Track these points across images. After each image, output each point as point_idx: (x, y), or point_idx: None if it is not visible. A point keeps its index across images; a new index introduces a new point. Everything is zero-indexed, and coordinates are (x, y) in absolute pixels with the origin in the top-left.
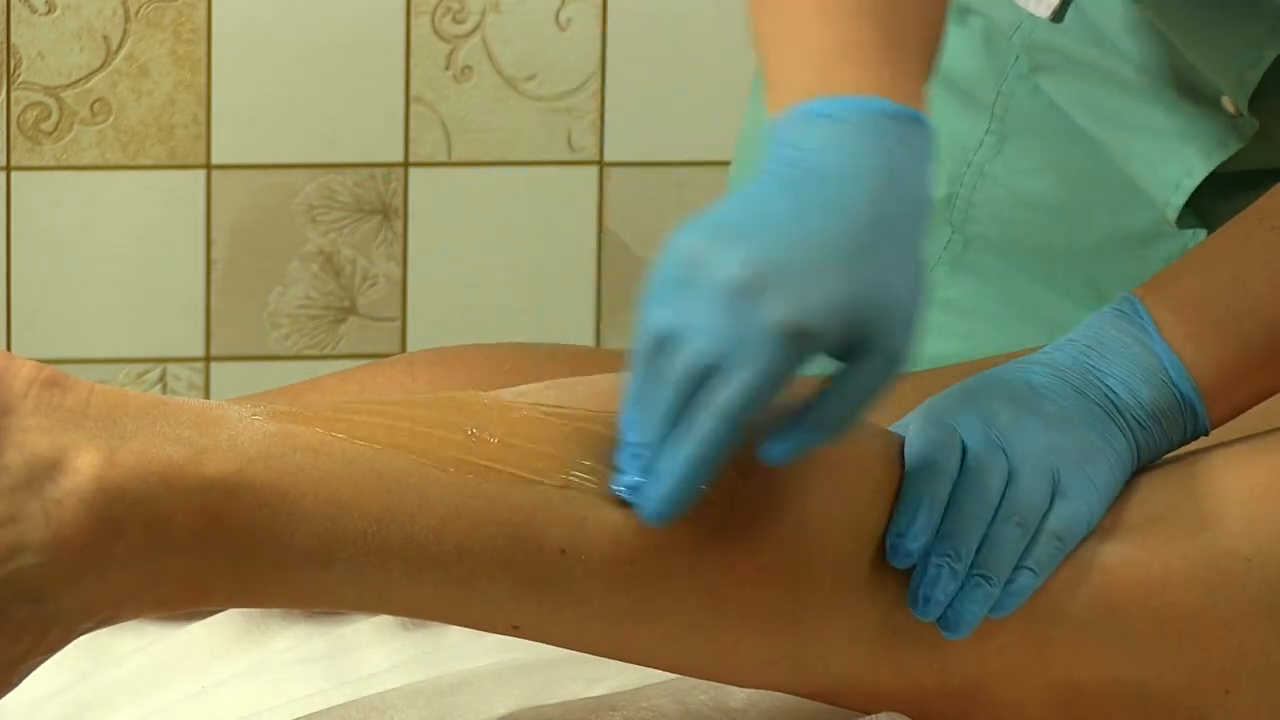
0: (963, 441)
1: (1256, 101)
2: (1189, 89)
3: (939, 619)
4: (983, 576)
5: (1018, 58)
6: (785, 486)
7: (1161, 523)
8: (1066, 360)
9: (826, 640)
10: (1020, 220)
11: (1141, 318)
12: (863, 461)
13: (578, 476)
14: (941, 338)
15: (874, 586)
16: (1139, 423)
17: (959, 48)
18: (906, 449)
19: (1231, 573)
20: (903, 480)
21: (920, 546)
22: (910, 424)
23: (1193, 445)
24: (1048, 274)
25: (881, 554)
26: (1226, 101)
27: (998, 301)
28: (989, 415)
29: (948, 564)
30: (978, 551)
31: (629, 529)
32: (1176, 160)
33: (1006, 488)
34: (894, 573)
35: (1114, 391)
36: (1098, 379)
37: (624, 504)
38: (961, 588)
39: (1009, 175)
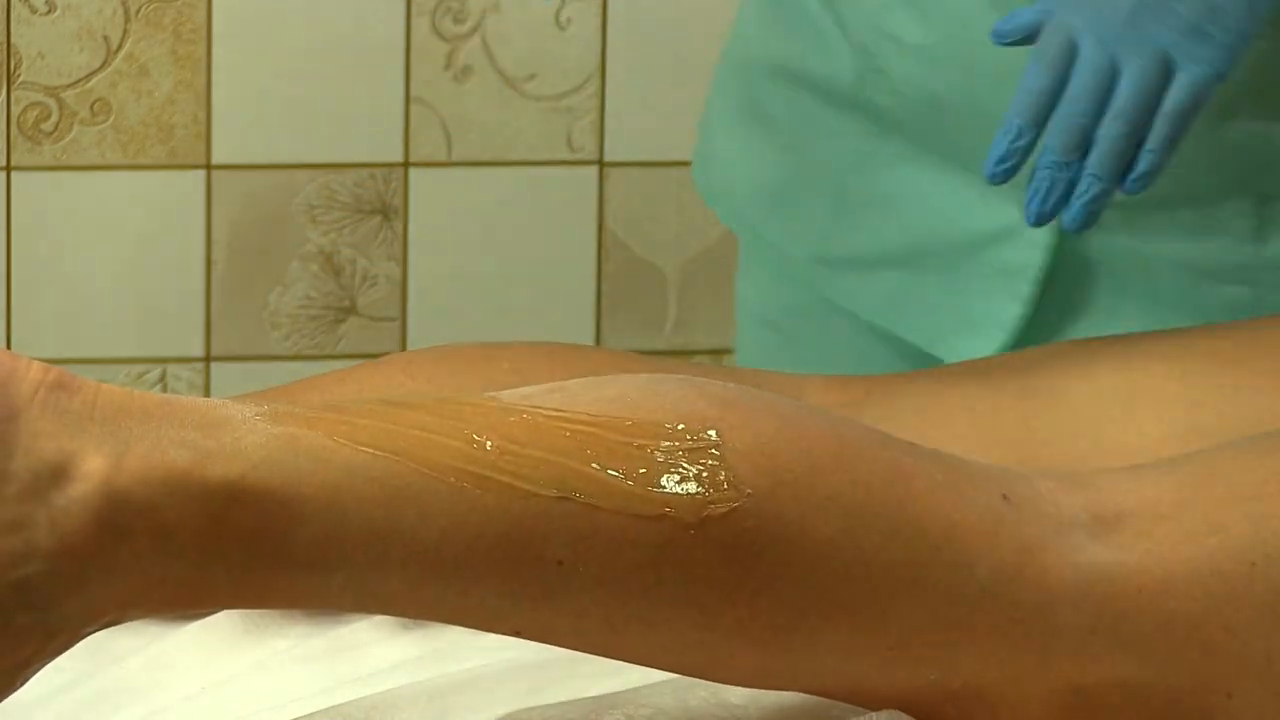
0: (1073, 39)
1: None
2: None
3: (1055, 215)
4: (1094, 176)
5: None
6: (785, 509)
7: (1167, 524)
8: None
9: (822, 656)
10: (919, 83)
11: None
12: (868, 484)
13: (577, 485)
14: (878, 229)
15: (872, 606)
16: None
17: None
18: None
19: (1236, 577)
20: None
21: (1016, 127)
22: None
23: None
24: (960, 148)
25: (881, 577)
26: None
27: (920, 189)
28: (1099, 5)
29: (1051, 173)
30: (1089, 154)
31: (626, 543)
32: None
33: (1115, 82)
34: (893, 593)
35: None
36: None
37: (621, 517)
38: (1074, 186)
39: (896, 25)
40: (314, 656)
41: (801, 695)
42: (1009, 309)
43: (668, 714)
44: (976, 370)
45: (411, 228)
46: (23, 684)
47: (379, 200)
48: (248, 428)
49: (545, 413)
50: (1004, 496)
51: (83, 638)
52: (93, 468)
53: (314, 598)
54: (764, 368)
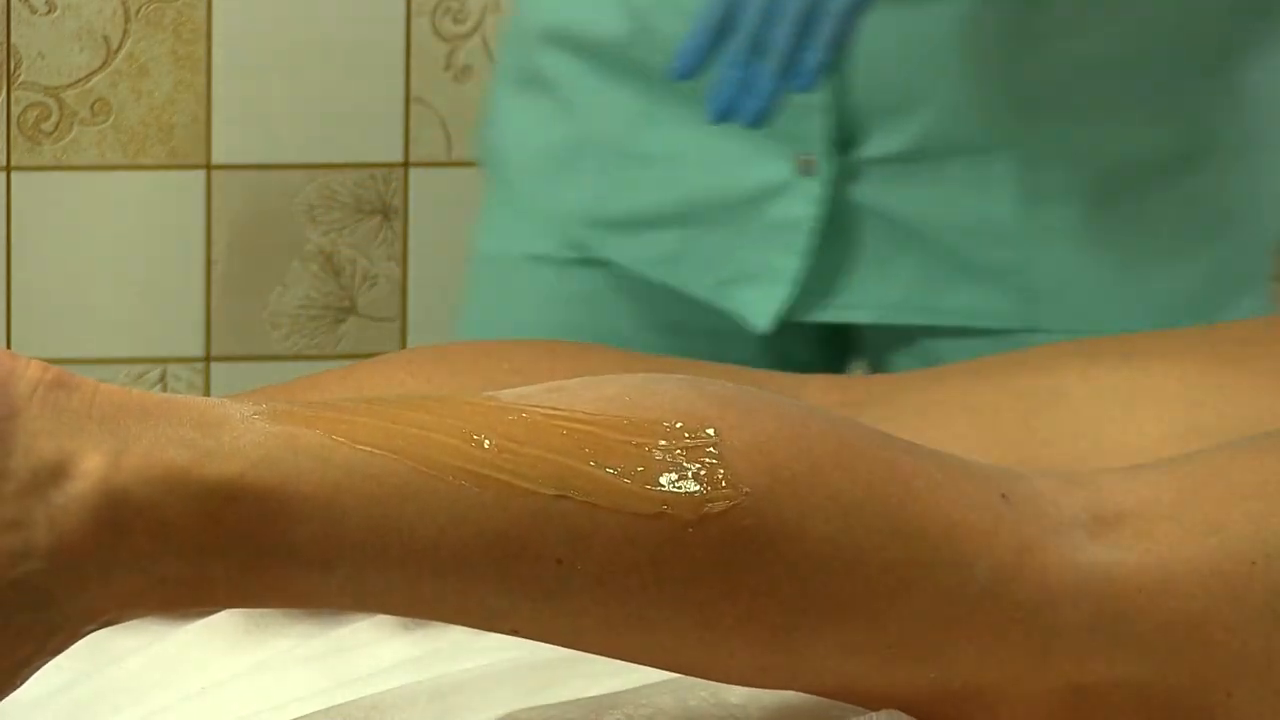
0: None
1: None
2: None
3: (736, 114)
4: (767, 76)
5: None
6: (784, 508)
7: (1167, 524)
8: None
9: (821, 655)
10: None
11: None
12: (867, 483)
13: (576, 483)
14: (655, 189)
15: (871, 605)
16: None
17: None
18: None
19: (1236, 576)
20: None
21: (694, 44)
22: None
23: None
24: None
25: (880, 576)
26: None
27: (696, 148)
28: None
29: (729, 73)
30: (762, 55)
31: (624, 541)
32: None
33: None
34: (893, 592)
35: None
36: None
37: (619, 516)
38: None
39: None
40: (315, 656)
41: (801, 695)
42: (787, 261)
43: (668, 714)
44: (976, 370)
45: (411, 228)
46: (22, 683)
47: (379, 200)
48: (246, 426)
49: (544, 411)
50: (1003, 496)
51: (82, 636)
52: (91, 466)
53: (313, 596)
54: (491, 321)
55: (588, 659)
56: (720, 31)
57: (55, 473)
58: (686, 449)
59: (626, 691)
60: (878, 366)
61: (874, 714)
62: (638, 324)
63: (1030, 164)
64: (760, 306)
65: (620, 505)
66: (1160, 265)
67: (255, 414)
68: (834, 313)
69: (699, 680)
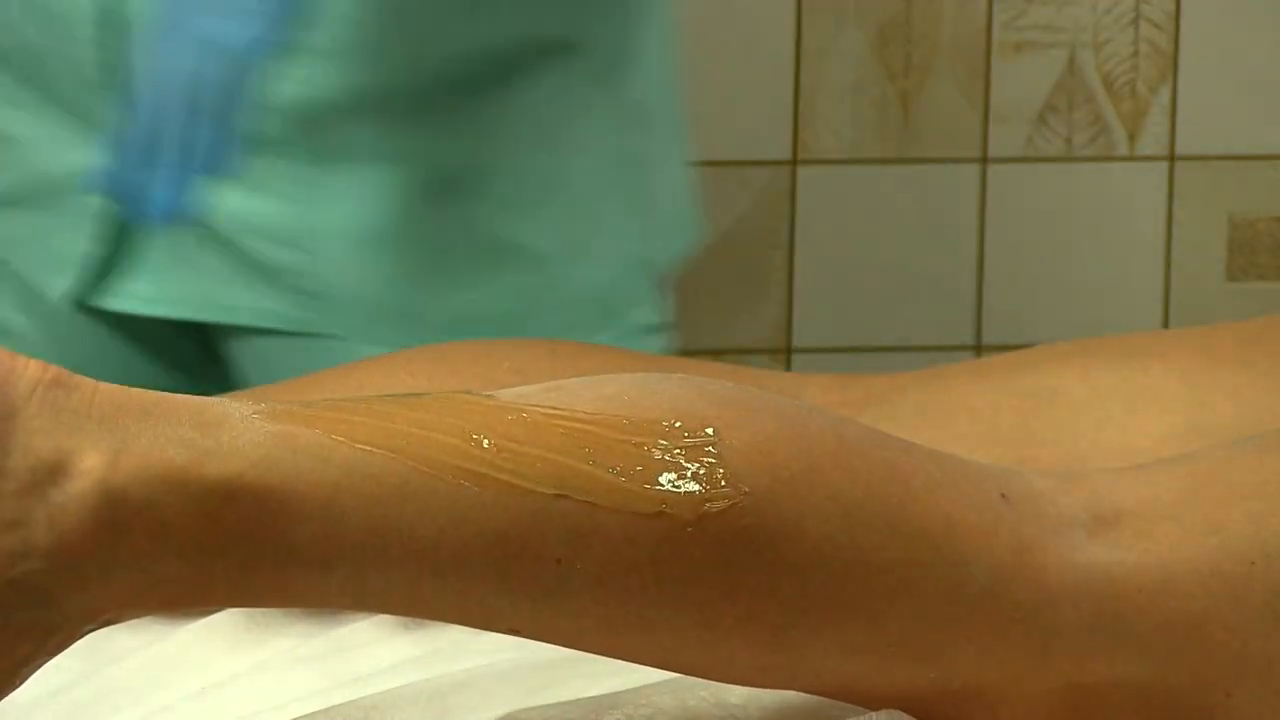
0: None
1: None
2: None
3: (177, 215)
4: (179, 170)
5: None
6: (783, 508)
7: (1167, 524)
8: None
9: (821, 655)
10: (9, 23)
11: None
12: (867, 483)
13: (575, 483)
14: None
15: (871, 605)
16: None
17: None
18: None
19: (1236, 576)
20: None
21: (121, 163)
22: None
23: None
24: (55, 90)
25: (880, 576)
26: None
27: (29, 130)
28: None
29: (154, 175)
30: (180, 153)
31: (624, 541)
32: None
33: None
34: (892, 592)
35: None
36: None
37: (619, 515)
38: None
39: None
40: (314, 656)
41: (801, 695)
42: (84, 247)
43: (668, 714)
44: (976, 370)
45: None
46: (21, 682)
47: None
48: (245, 425)
49: (543, 411)
50: (1003, 495)
51: (81, 636)
52: (90, 465)
53: (312, 596)
54: None
55: (588, 659)
56: (135, 144)
57: (54, 472)
58: (686, 448)
59: (626, 691)
60: (228, 368)
61: (874, 714)
62: (27, 317)
63: (316, 165)
64: (55, 289)
65: (620, 505)
66: (454, 286)
67: (254, 413)
68: (130, 302)
69: (699, 680)
